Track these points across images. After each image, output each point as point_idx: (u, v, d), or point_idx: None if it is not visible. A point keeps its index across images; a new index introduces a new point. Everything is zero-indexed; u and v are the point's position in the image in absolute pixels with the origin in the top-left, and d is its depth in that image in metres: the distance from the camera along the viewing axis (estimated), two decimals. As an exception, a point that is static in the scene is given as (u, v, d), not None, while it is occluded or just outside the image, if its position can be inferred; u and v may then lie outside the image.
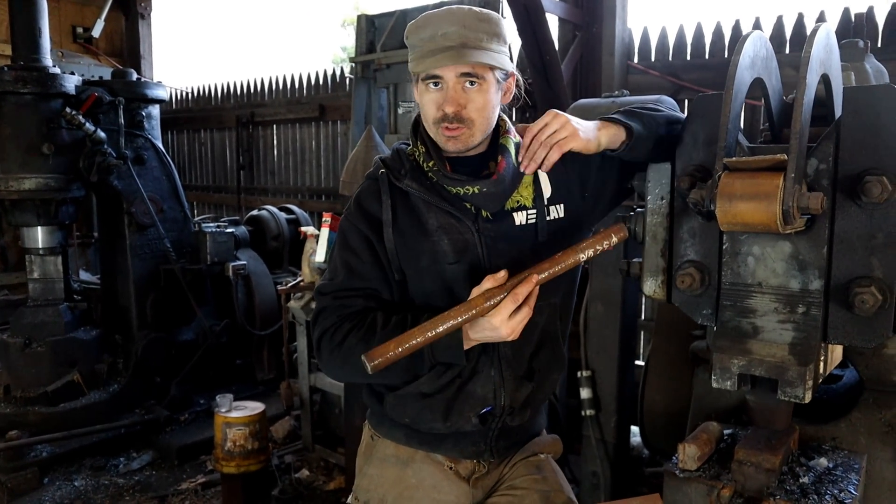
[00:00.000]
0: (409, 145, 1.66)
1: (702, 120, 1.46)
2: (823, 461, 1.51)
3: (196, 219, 5.36)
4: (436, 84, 1.50)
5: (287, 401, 4.19)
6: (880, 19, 3.59)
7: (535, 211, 1.60)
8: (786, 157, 1.20)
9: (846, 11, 3.63)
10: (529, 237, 1.60)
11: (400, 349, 1.41)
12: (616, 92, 3.13)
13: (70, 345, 4.37)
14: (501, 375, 1.64)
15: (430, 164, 1.57)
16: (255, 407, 3.62)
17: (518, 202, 1.60)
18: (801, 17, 3.80)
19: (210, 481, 3.94)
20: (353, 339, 1.54)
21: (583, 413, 3.21)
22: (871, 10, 3.60)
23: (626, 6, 4.36)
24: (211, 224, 4.96)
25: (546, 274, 1.46)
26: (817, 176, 1.32)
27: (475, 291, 1.46)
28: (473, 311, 1.43)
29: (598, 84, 4.34)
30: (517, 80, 1.63)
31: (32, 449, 4.07)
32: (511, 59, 1.59)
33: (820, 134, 1.33)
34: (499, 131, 1.61)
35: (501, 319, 1.42)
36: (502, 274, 1.45)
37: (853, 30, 3.53)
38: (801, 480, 1.42)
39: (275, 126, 7.06)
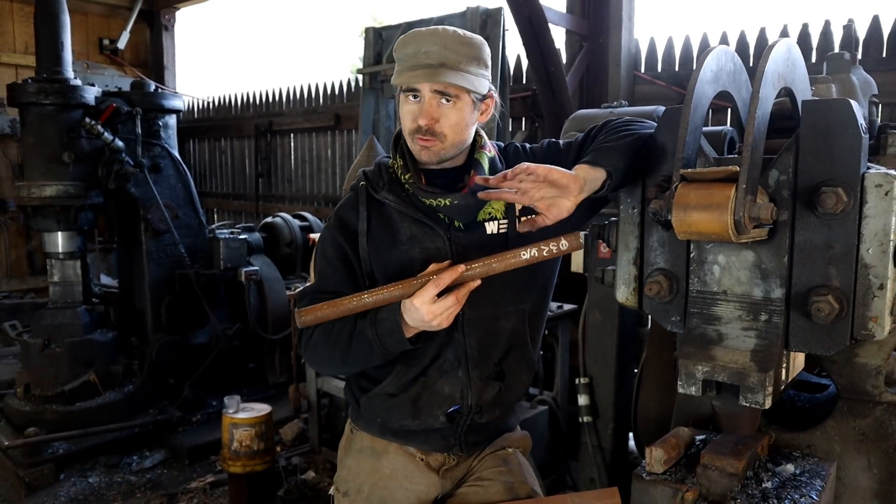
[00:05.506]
0: (391, 158, 1.74)
1: (670, 131, 1.50)
2: (790, 467, 1.52)
3: (212, 226, 5.49)
4: (415, 97, 1.59)
5: (295, 403, 4.27)
6: (886, 29, 3.58)
7: (506, 221, 1.68)
8: (738, 168, 1.24)
9: (849, 23, 3.63)
10: (500, 246, 1.66)
11: (329, 310, 1.55)
12: (615, 102, 3.17)
13: (87, 346, 4.50)
14: (468, 376, 1.70)
15: (407, 177, 1.66)
16: (261, 409, 3.70)
17: (490, 213, 1.68)
18: (805, 27, 3.80)
19: (218, 481, 4.03)
20: (319, 336, 1.67)
21: (580, 419, 3.24)
22: (876, 18, 3.60)
23: (633, 17, 4.39)
24: (224, 231, 5.08)
25: (478, 267, 1.52)
26: (778, 187, 1.35)
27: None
28: (400, 290, 1.52)
29: (604, 94, 4.38)
30: (496, 102, 1.70)
31: (49, 446, 4.20)
32: (496, 79, 1.66)
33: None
34: (475, 146, 1.69)
35: (421, 301, 1.48)
36: (446, 263, 1.53)
37: (858, 41, 3.52)
38: (763, 485, 1.44)
39: (292, 135, 7.20)
